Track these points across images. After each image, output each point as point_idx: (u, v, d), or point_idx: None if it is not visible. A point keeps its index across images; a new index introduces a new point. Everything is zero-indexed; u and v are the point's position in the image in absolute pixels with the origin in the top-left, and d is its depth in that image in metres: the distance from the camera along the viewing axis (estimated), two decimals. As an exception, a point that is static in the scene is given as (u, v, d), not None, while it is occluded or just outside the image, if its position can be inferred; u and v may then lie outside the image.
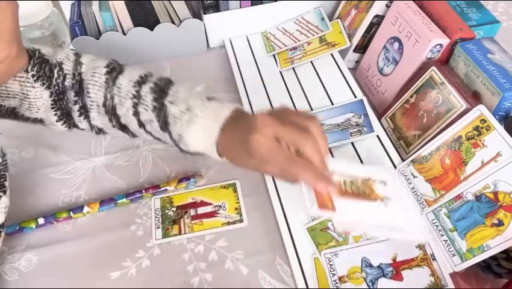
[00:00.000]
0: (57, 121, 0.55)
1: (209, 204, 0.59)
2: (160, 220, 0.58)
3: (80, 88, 0.53)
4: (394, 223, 0.51)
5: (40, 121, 0.55)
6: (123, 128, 0.54)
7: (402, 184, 0.57)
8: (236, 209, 0.58)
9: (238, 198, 0.59)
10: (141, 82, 0.51)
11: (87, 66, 0.53)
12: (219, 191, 0.60)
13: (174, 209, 0.59)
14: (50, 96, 0.53)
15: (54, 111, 0.54)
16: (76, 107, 0.54)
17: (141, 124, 0.52)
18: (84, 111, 0.54)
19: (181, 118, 0.48)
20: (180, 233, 0.56)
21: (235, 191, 0.60)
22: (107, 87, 0.52)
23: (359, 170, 0.54)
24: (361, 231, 0.53)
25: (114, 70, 0.53)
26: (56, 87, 0.52)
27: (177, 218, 0.58)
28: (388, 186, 0.54)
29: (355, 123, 0.63)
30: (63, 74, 0.53)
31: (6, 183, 0.49)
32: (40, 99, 0.52)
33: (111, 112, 0.53)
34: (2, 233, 0.50)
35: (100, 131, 0.56)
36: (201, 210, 0.58)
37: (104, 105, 0.52)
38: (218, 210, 0.58)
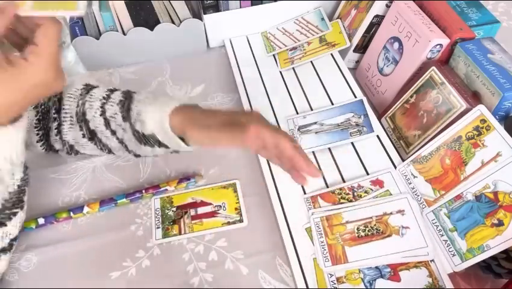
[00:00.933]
0: (37, 141, 0.56)
1: (209, 204, 0.59)
2: (160, 220, 0.58)
3: (59, 105, 0.56)
4: (410, 250, 0.50)
5: None
6: (93, 136, 0.56)
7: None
8: (236, 209, 0.58)
9: (238, 199, 0.59)
10: (113, 90, 0.56)
11: (66, 85, 0.56)
12: (219, 191, 0.60)
13: (174, 209, 0.59)
14: (36, 115, 0.55)
15: (37, 130, 0.55)
16: (55, 124, 0.56)
17: (107, 124, 0.54)
18: (58, 126, 0.56)
19: (144, 101, 0.53)
20: (180, 233, 0.56)
21: (235, 191, 0.60)
22: (81, 97, 0.55)
23: (372, 210, 0.53)
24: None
25: (91, 86, 0.57)
26: (42, 106, 0.55)
27: (177, 218, 0.58)
28: (407, 214, 0.52)
29: (355, 123, 0.63)
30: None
31: (25, 198, 0.47)
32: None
33: (81, 118, 0.55)
34: (14, 247, 0.49)
35: (71, 149, 0.57)
36: (201, 210, 0.58)
37: (76, 114, 0.55)
38: (218, 210, 0.58)
